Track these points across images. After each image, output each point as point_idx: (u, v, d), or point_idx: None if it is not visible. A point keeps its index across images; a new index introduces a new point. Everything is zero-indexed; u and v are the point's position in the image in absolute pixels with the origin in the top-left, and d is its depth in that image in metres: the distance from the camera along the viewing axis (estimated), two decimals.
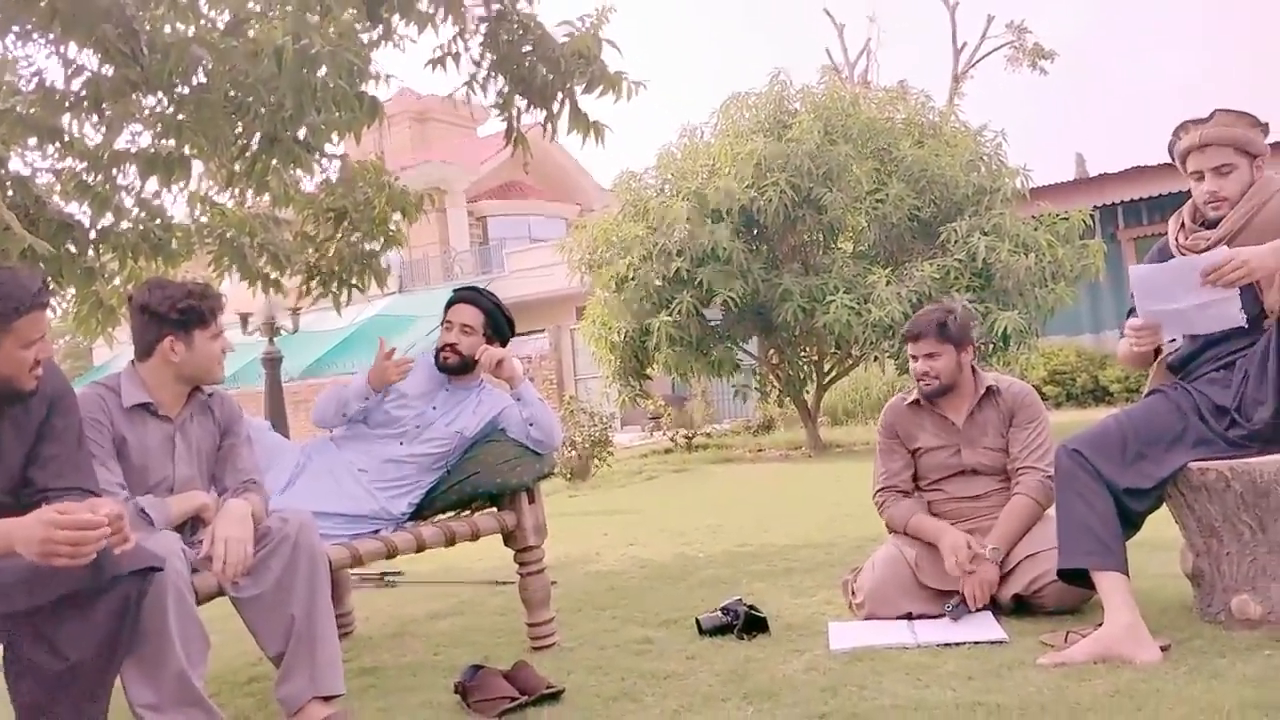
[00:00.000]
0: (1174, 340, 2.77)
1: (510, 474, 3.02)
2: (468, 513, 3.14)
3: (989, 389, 3.17)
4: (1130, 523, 2.61)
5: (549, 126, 4.48)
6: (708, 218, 9.52)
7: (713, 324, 10.28)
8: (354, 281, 4.97)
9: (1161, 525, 2.72)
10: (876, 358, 10.21)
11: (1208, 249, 2.58)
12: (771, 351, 10.84)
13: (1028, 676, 2.32)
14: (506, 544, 3.11)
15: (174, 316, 2.46)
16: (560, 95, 4.37)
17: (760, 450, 11.19)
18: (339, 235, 4.89)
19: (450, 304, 3.24)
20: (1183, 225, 2.79)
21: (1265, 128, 2.66)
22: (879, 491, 3.25)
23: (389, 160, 5.84)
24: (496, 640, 3.24)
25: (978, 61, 24.86)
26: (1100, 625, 2.47)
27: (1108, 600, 2.49)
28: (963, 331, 3.16)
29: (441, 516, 3.13)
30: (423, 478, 3.08)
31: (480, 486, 3.04)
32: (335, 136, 4.20)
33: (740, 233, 9.65)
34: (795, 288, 9.41)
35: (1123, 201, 13.65)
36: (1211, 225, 2.67)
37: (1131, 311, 2.77)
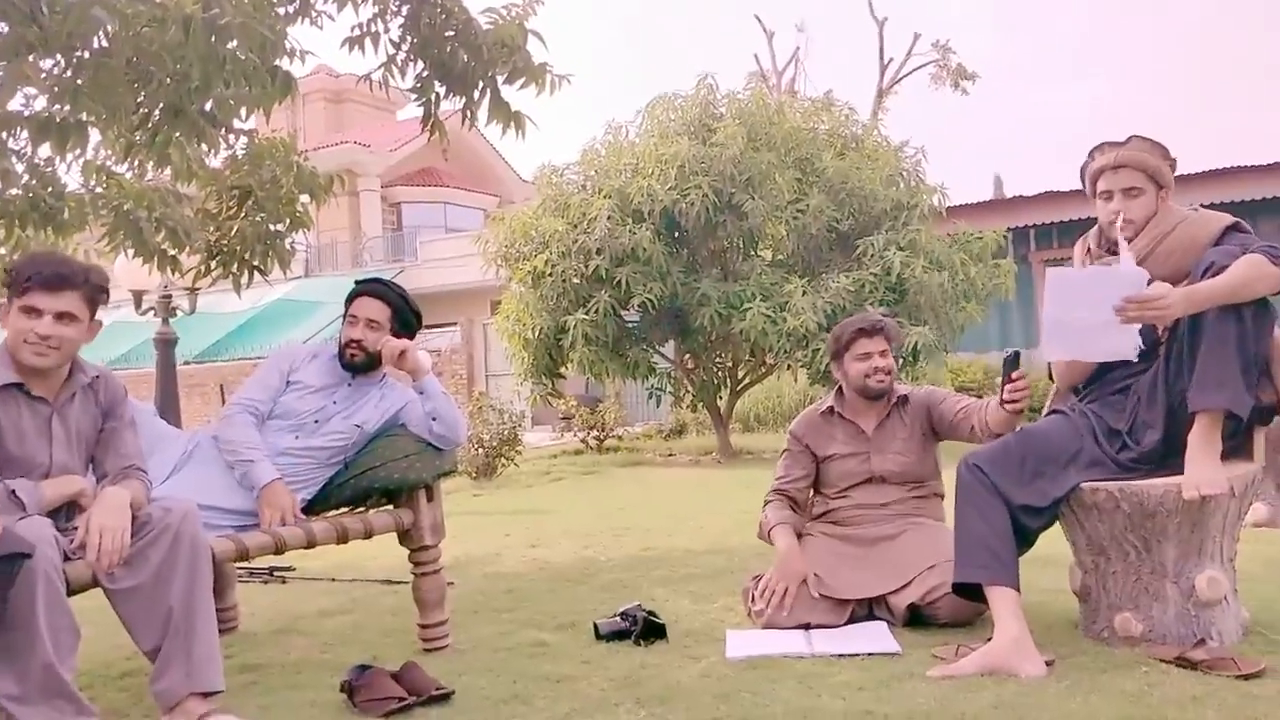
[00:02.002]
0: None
1: (409, 470, 2.93)
2: (363, 509, 3.04)
3: (901, 397, 3.24)
4: (1024, 539, 2.66)
5: (468, 114, 4.40)
6: (629, 217, 9.49)
7: (630, 325, 10.25)
8: (256, 263, 4.80)
9: (1052, 542, 2.79)
10: (790, 366, 10.30)
11: None
12: (687, 356, 10.86)
13: (917, 688, 2.35)
14: (402, 543, 3.02)
15: (6, 280, 2.28)
16: (481, 83, 4.29)
17: (671, 454, 11.22)
18: (242, 214, 4.72)
19: (354, 297, 3.09)
20: (1089, 250, 2.86)
21: (1173, 163, 2.75)
22: (771, 492, 3.28)
23: (303, 140, 5.67)
24: (387, 640, 3.15)
25: (902, 78, 25.40)
26: (990, 639, 2.52)
27: (998, 614, 2.54)
28: (898, 334, 3.32)
29: (335, 512, 3.03)
30: (317, 473, 2.97)
31: (377, 482, 2.94)
32: (244, 112, 4.04)
33: (661, 235, 9.65)
34: (713, 293, 9.45)
35: (1036, 225, 14.06)
36: (1115, 252, 2.74)
37: None
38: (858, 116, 10.91)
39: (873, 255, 9.43)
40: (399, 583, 3.84)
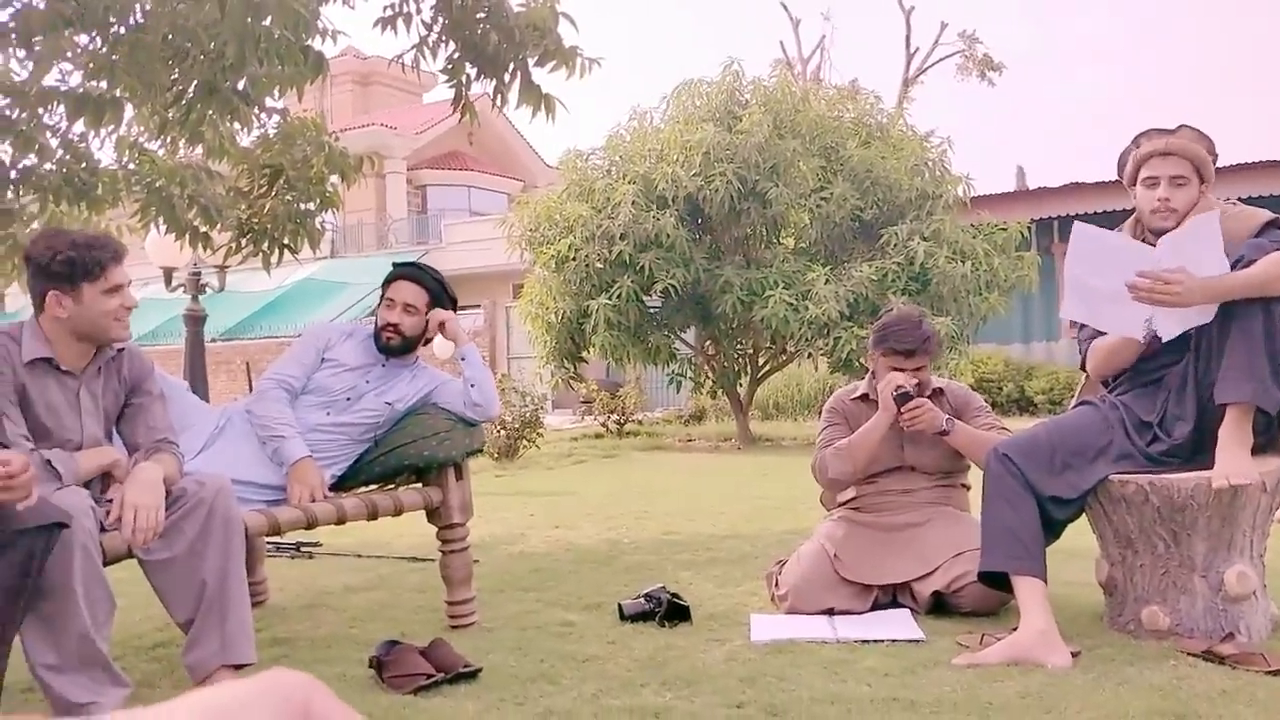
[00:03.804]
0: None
1: (438, 448, 2.95)
2: (392, 486, 3.07)
3: (937, 389, 3.21)
4: (1051, 530, 2.65)
5: (499, 97, 4.40)
6: (653, 203, 9.49)
7: (652, 310, 10.25)
8: (286, 241, 4.83)
9: (1079, 534, 2.78)
10: (810, 355, 10.29)
11: None
12: (708, 342, 10.87)
13: (942, 675, 2.35)
14: (430, 520, 3.05)
15: (56, 269, 2.29)
16: (512, 65, 4.29)
17: (690, 440, 11.23)
18: (273, 193, 4.75)
19: (391, 280, 3.12)
20: None
21: (1216, 157, 2.71)
22: (817, 455, 3.24)
23: (330, 122, 5.70)
24: (414, 617, 3.18)
25: (929, 67, 25.21)
26: (1015, 629, 2.51)
27: (1024, 605, 2.53)
28: (938, 350, 3.28)
29: (365, 489, 3.06)
30: (348, 449, 3.00)
31: (407, 459, 2.96)
32: (276, 91, 4.06)
33: (685, 221, 9.64)
34: (736, 280, 9.44)
35: (1059, 216, 13.95)
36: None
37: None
38: (883, 105, 10.85)
39: (896, 245, 9.39)
40: (425, 560, 3.88)
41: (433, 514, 3.03)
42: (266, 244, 4.85)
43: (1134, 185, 2.76)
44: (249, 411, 2.94)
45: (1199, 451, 2.59)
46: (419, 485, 3.04)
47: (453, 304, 3.17)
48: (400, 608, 3.34)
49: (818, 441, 3.30)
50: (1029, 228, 10.43)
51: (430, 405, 3.06)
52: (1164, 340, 2.58)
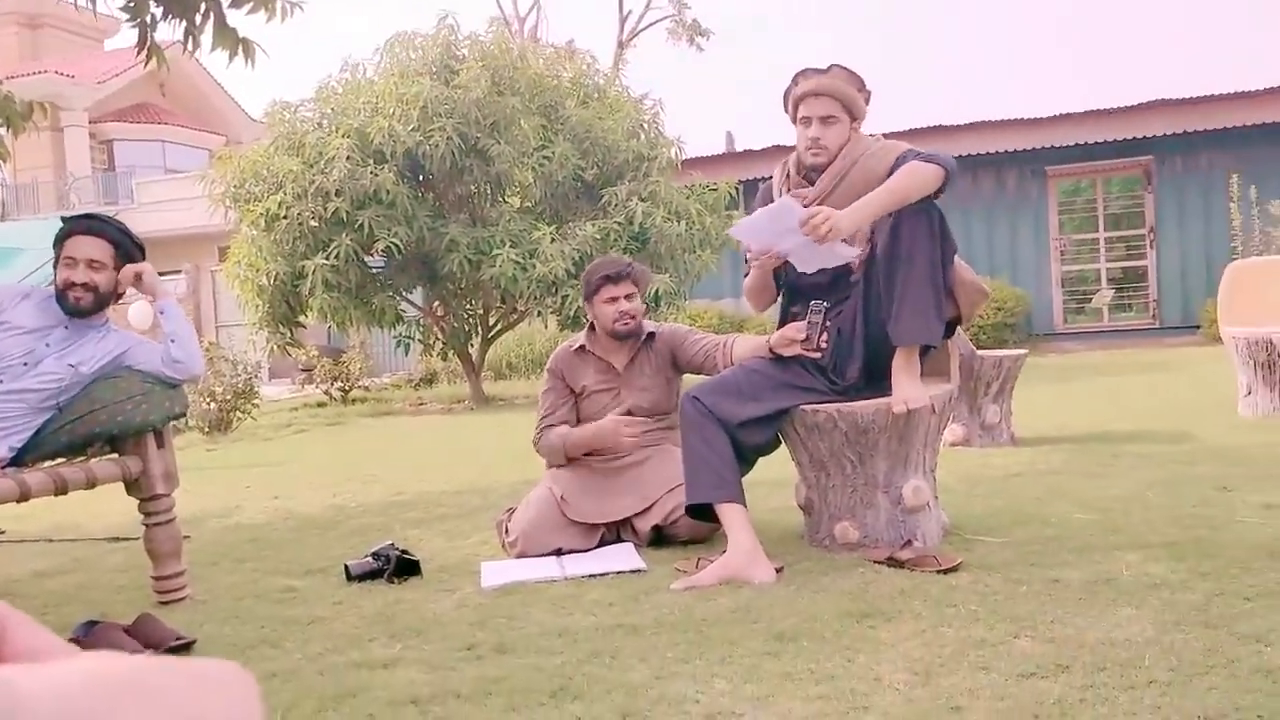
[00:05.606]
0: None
1: (134, 413, 2.73)
2: (83, 458, 2.81)
3: (650, 334, 3.36)
4: (744, 459, 2.86)
5: (189, 40, 4.07)
6: (370, 158, 9.16)
7: (374, 271, 9.93)
8: None
9: (780, 465, 3.02)
10: (540, 313, 10.38)
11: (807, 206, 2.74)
12: (437, 303, 10.68)
13: (662, 600, 2.50)
14: (130, 493, 2.83)
15: None
16: (204, 6, 3.98)
17: (422, 403, 11.04)
18: None
19: (65, 236, 2.83)
20: (788, 175, 3.03)
21: (868, 95, 2.94)
22: (538, 430, 3.35)
23: None
24: (117, 597, 2.95)
25: (640, 31, 25.86)
26: (725, 552, 2.70)
27: (730, 529, 2.73)
28: (645, 277, 3.39)
29: (51, 463, 2.78)
30: (28, 419, 2.72)
31: (98, 427, 2.72)
32: None
33: (405, 177, 9.39)
34: (462, 239, 9.33)
35: (764, 177, 14.78)
36: (811, 180, 2.93)
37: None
38: (599, 67, 11.03)
39: (616, 205, 9.63)
40: (127, 539, 3.59)
41: (132, 486, 2.81)
42: None
43: (795, 123, 2.95)
44: None
45: (872, 382, 2.87)
46: (115, 455, 2.81)
47: (141, 253, 2.93)
48: (100, 589, 3.09)
49: (539, 409, 3.39)
50: (737, 188, 11.00)
51: (123, 369, 2.82)
52: (875, 251, 2.75)
